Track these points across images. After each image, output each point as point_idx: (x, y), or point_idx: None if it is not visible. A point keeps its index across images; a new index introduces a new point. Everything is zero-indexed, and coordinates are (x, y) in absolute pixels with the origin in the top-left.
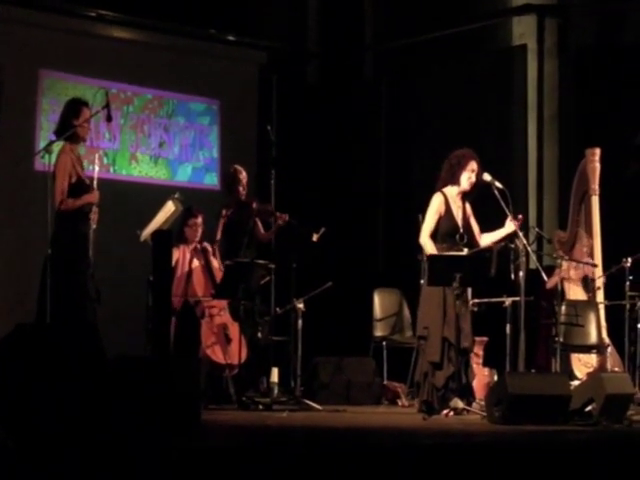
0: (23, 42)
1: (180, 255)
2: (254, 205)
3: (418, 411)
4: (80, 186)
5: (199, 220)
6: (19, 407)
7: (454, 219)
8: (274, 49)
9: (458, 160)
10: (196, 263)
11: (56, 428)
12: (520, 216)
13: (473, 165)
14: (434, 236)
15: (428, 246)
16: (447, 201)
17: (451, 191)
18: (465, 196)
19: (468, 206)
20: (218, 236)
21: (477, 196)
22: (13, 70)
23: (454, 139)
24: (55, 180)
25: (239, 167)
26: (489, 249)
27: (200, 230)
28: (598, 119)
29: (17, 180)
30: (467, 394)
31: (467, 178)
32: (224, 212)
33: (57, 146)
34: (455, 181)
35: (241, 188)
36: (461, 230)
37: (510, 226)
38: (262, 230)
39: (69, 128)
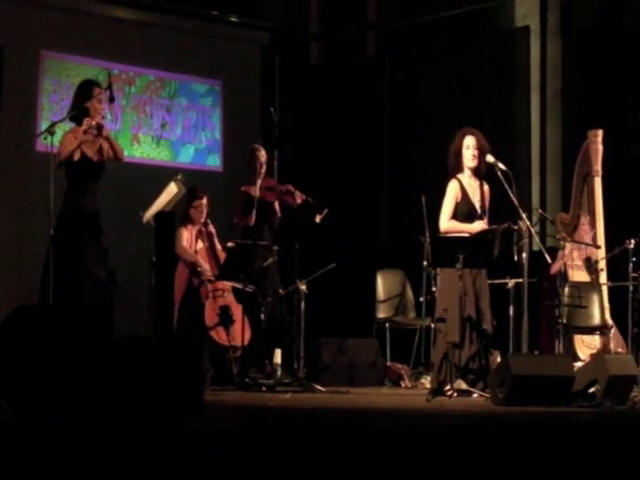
0: (24, 23)
1: (189, 235)
2: (272, 185)
3: (430, 392)
4: (84, 163)
5: (204, 201)
6: (21, 385)
7: (471, 202)
8: (276, 30)
9: (455, 148)
10: (200, 245)
11: (58, 408)
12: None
13: (468, 141)
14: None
15: (451, 226)
16: (462, 186)
17: (464, 176)
18: (478, 174)
19: (486, 186)
20: (238, 216)
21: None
22: (14, 51)
23: (456, 119)
24: (59, 150)
25: (258, 146)
26: (492, 230)
27: (205, 211)
28: (601, 99)
29: (19, 161)
30: (484, 377)
31: (469, 158)
32: (243, 189)
33: (59, 128)
34: (462, 168)
35: (259, 167)
36: (479, 212)
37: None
38: (279, 211)
39: (82, 110)
